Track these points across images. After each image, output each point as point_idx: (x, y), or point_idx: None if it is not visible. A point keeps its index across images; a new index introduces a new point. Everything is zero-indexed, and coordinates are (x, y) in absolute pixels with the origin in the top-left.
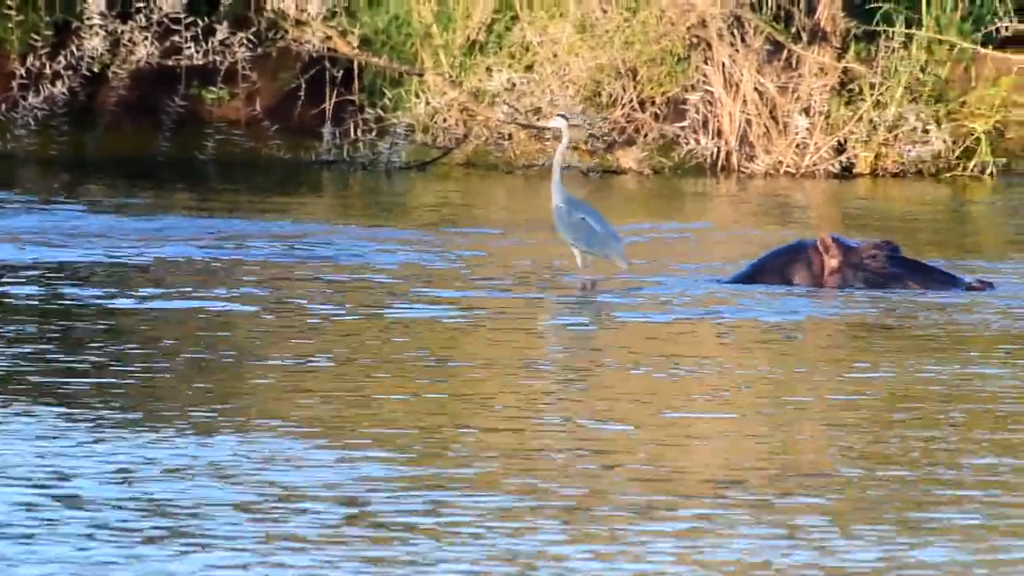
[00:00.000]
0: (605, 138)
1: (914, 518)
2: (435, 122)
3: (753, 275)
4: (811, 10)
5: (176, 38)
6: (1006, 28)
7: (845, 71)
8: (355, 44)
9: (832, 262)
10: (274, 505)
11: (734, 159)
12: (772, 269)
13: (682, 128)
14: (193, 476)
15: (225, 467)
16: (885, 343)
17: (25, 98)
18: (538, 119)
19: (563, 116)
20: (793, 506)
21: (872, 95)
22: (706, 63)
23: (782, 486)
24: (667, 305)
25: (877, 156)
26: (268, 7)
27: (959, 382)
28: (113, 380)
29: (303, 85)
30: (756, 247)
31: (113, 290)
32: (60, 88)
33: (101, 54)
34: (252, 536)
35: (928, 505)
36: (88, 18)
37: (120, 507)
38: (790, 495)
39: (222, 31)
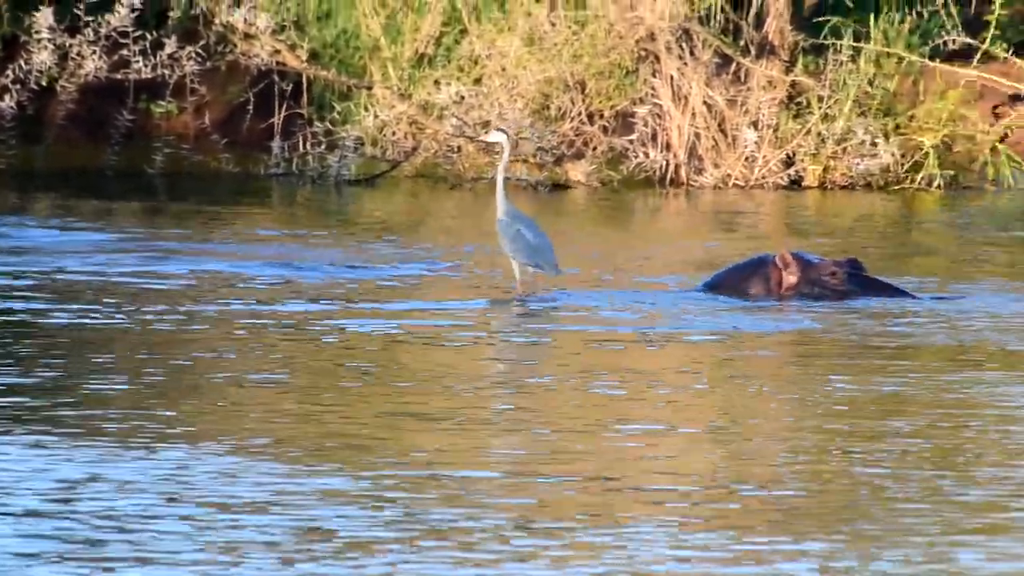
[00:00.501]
0: (554, 151)
1: (858, 530)
2: (384, 135)
3: (712, 288)
4: (759, 23)
5: (124, 52)
6: (953, 42)
7: (793, 84)
8: (304, 58)
9: (791, 278)
10: (218, 519)
11: (683, 172)
12: (730, 283)
13: (631, 141)
14: (138, 491)
15: (171, 482)
16: (829, 355)
17: None
18: (486, 132)
19: (503, 130)
20: (736, 517)
21: (820, 108)
22: (655, 76)
23: (727, 497)
24: (620, 317)
25: (825, 169)
26: (217, 21)
27: (902, 393)
28: (57, 395)
29: (252, 99)
30: (706, 261)
31: (59, 304)
32: (8, 102)
33: (49, 68)
34: (196, 551)
35: (871, 517)
36: (36, 32)
37: (63, 521)
38: (734, 507)
39: (170, 45)
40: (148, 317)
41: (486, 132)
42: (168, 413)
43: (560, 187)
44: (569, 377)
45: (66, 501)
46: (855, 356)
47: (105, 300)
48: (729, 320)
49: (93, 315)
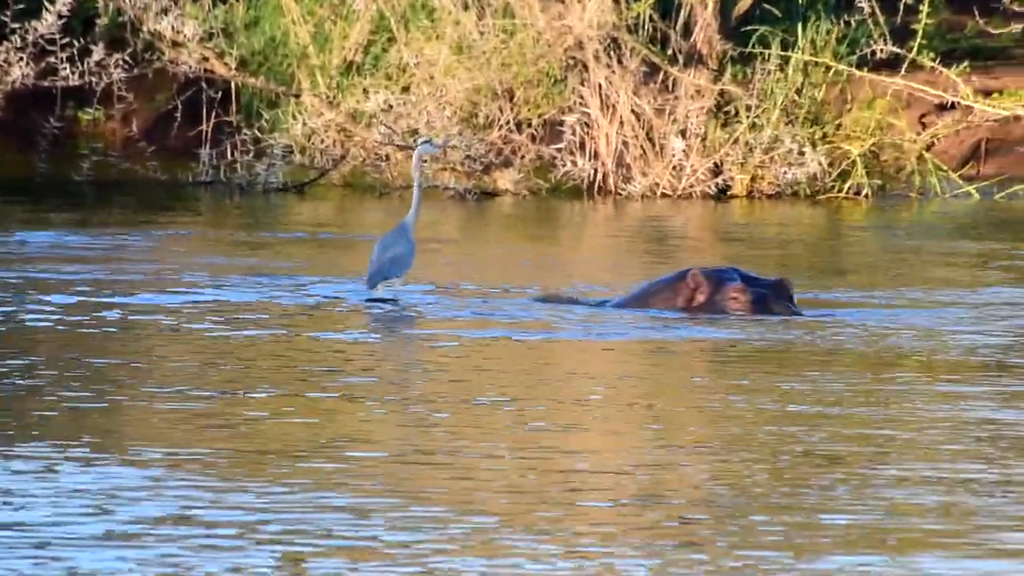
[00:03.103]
0: (482, 160)
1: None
2: (312, 143)
3: (626, 303)
4: (687, 33)
5: (52, 59)
6: (881, 51)
7: (721, 93)
8: (232, 65)
9: (700, 297)
10: (137, 533)
11: (611, 181)
12: (642, 299)
13: (559, 150)
14: (53, 504)
15: (81, 495)
16: (717, 364)
17: None
18: (415, 140)
19: (427, 141)
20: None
21: (748, 117)
22: (583, 85)
23: (630, 508)
24: (528, 326)
25: (753, 178)
26: (144, 28)
27: (799, 405)
28: None
29: (180, 106)
30: (629, 270)
31: None
32: None
33: None
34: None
35: (763, 531)
36: None
37: None
38: (635, 518)
39: (98, 52)
40: (62, 326)
41: (415, 140)
42: (77, 423)
43: (488, 195)
44: (490, 383)
45: None
46: (746, 363)
47: (26, 306)
48: (627, 329)
49: (12, 321)
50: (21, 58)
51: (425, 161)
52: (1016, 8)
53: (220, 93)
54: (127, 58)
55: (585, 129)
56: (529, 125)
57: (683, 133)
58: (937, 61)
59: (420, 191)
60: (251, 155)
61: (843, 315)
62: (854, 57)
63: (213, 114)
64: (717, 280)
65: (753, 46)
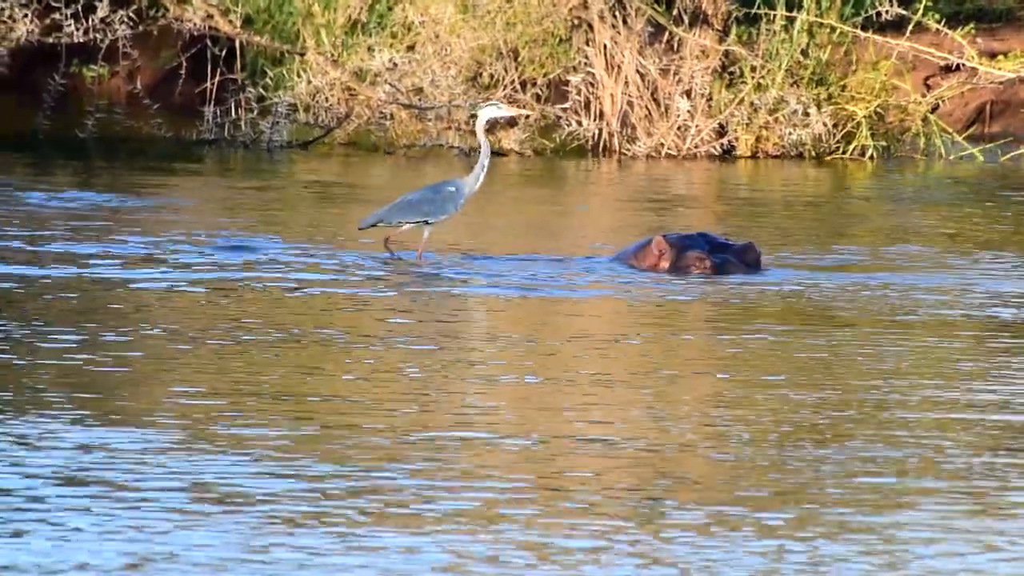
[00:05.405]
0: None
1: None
2: (317, 101)
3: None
4: None
5: (56, 15)
6: (886, 12)
7: (726, 54)
8: (237, 23)
9: (664, 264)
10: (109, 497)
11: (616, 141)
12: (615, 263)
13: (564, 110)
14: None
15: (60, 458)
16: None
17: None
18: (419, 99)
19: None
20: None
21: (753, 78)
22: (588, 45)
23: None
24: (505, 284)
25: (758, 139)
26: None
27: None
28: None
29: (184, 64)
30: (628, 230)
31: None
32: None
33: None
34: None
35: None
36: None
37: None
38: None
39: (103, 8)
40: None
41: (424, 99)
42: (61, 386)
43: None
44: (480, 340)
45: None
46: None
47: (26, 263)
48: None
49: (12, 278)
50: (26, 15)
51: (429, 120)
52: None
53: (225, 51)
54: (132, 15)
55: (590, 89)
56: (534, 85)
57: (688, 93)
58: (942, 23)
59: (487, 158)
60: (255, 113)
61: (813, 277)
62: (859, 18)
63: (218, 72)
64: (680, 246)
65: (758, 6)
